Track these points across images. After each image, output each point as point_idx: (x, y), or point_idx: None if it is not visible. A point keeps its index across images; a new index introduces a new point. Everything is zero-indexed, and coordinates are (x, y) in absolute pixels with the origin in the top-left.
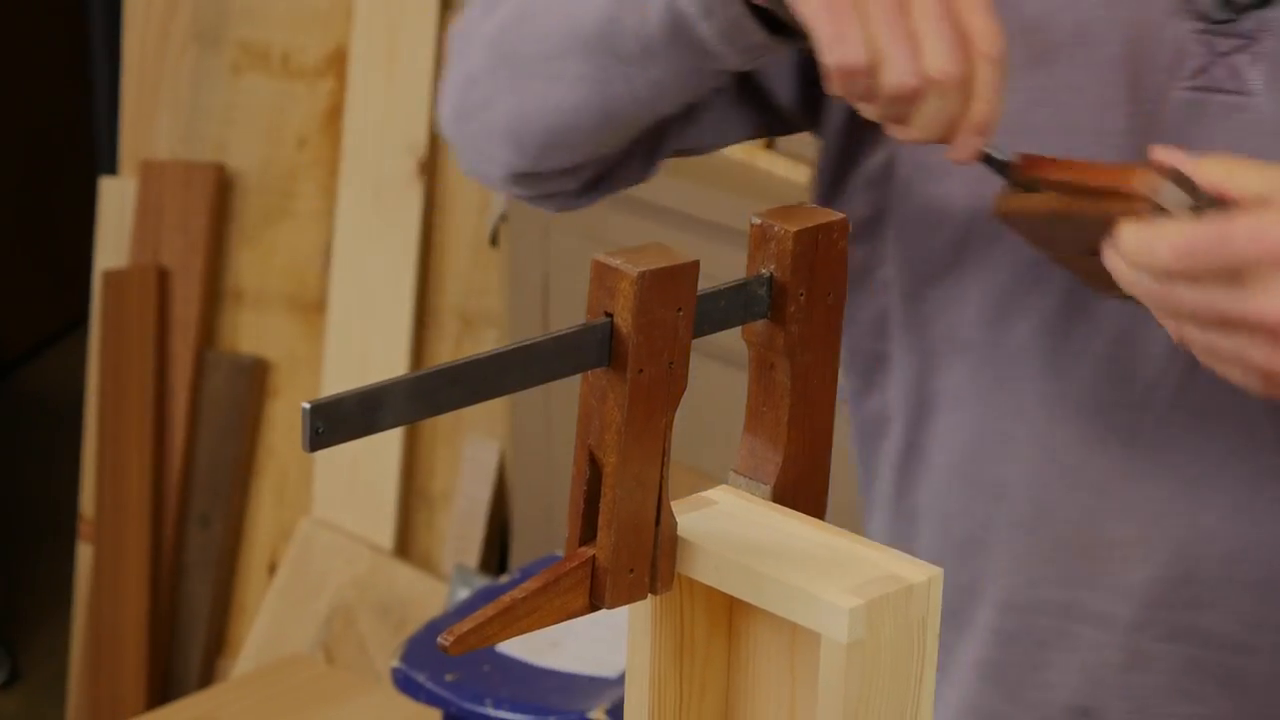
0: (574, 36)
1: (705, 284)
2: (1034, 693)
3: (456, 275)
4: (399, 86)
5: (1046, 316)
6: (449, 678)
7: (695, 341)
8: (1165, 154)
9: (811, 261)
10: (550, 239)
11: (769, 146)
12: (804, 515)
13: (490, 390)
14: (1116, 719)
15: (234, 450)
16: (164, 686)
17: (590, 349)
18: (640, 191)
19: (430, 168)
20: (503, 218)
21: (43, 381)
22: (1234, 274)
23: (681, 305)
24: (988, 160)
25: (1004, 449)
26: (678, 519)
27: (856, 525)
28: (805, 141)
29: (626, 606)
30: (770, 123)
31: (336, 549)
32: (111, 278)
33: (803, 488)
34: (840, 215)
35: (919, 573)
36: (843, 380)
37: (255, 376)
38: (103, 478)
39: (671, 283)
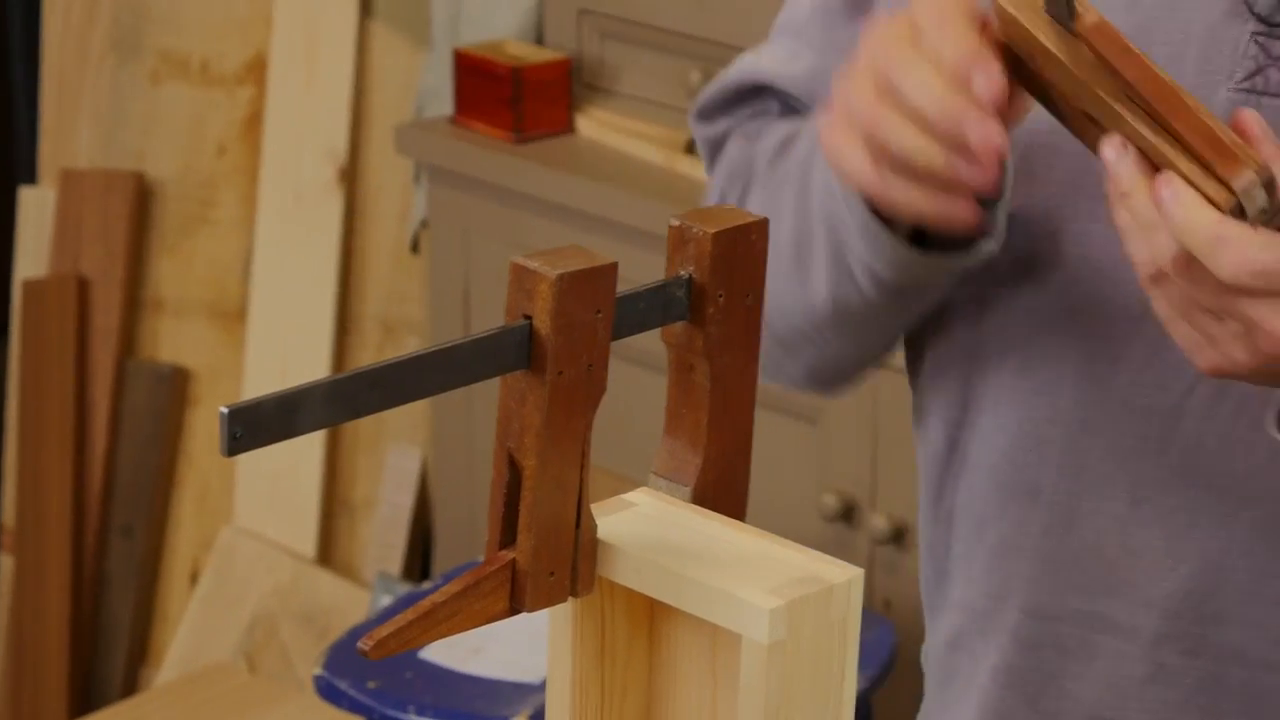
0: (813, 313)
1: (626, 288)
2: (1054, 702)
3: (377, 282)
4: (318, 94)
5: (1087, 322)
6: (371, 685)
7: (614, 345)
8: (1258, 125)
9: (730, 263)
10: (471, 245)
11: (689, 150)
12: (724, 517)
13: (409, 393)
14: None
15: (155, 459)
16: (86, 696)
17: (509, 351)
18: (561, 196)
19: (350, 174)
20: (423, 224)
21: None
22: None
23: (600, 307)
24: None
25: (1039, 453)
26: (598, 521)
27: (776, 526)
28: None
29: (547, 610)
30: None
31: (258, 557)
32: (31, 287)
33: (723, 489)
34: (760, 216)
35: (839, 573)
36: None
37: (176, 385)
38: (23, 488)
39: (590, 284)
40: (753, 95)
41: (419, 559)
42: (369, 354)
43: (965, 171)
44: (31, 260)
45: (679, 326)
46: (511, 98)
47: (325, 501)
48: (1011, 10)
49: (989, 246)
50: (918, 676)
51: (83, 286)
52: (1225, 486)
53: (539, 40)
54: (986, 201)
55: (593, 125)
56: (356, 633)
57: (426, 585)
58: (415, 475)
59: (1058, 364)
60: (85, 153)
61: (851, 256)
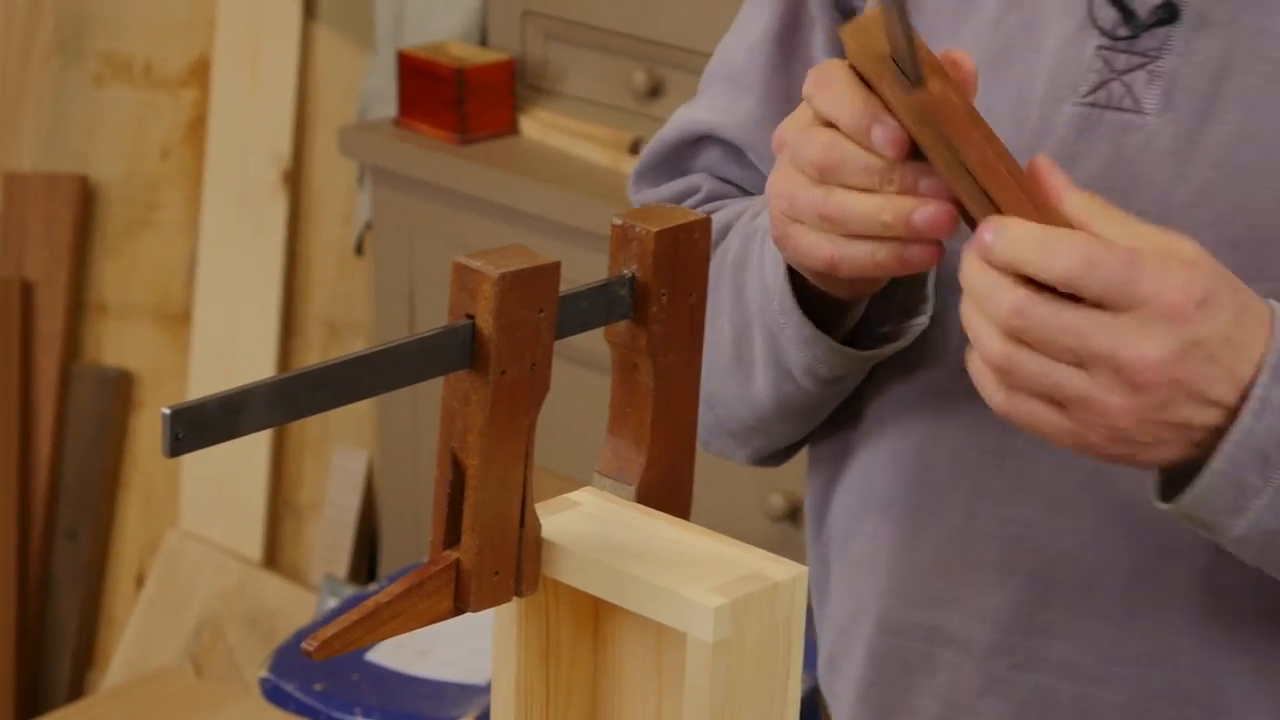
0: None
1: (570, 288)
2: (902, 716)
3: (322, 284)
4: (262, 96)
5: (940, 336)
6: (318, 687)
7: (556, 345)
8: (1046, 166)
9: (673, 261)
10: (416, 247)
11: (633, 151)
12: (668, 515)
13: (352, 393)
14: None
15: (100, 463)
16: (32, 700)
17: (452, 351)
18: (506, 197)
19: (294, 177)
20: (368, 226)
21: None
22: (1120, 306)
23: (543, 306)
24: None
25: (893, 466)
26: (542, 521)
27: (723, 526)
28: None
29: (492, 610)
30: None
31: (204, 560)
32: None
33: (667, 488)
34: (703, 216)
35: (784, 571)
36: None
37: (120, 388)
38: None
39: (533, 283)
40: (690, 151)
41: (365, 561)
42: (314, 356)
43: (918, 216)
44: None
45: (622, 325)
46: (455, 99)
47: (271, 504)
48: (856, 60)
49: (922, 320)
50: None
51: (26, 290)
52: (1055, 500)
53: (482, 41)
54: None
55: (537, 126)
56: (303, 635)
57: (373, 587)
58: (361, 477)
59: (913, 378)
60: (28, 156)
61: (790, 361)
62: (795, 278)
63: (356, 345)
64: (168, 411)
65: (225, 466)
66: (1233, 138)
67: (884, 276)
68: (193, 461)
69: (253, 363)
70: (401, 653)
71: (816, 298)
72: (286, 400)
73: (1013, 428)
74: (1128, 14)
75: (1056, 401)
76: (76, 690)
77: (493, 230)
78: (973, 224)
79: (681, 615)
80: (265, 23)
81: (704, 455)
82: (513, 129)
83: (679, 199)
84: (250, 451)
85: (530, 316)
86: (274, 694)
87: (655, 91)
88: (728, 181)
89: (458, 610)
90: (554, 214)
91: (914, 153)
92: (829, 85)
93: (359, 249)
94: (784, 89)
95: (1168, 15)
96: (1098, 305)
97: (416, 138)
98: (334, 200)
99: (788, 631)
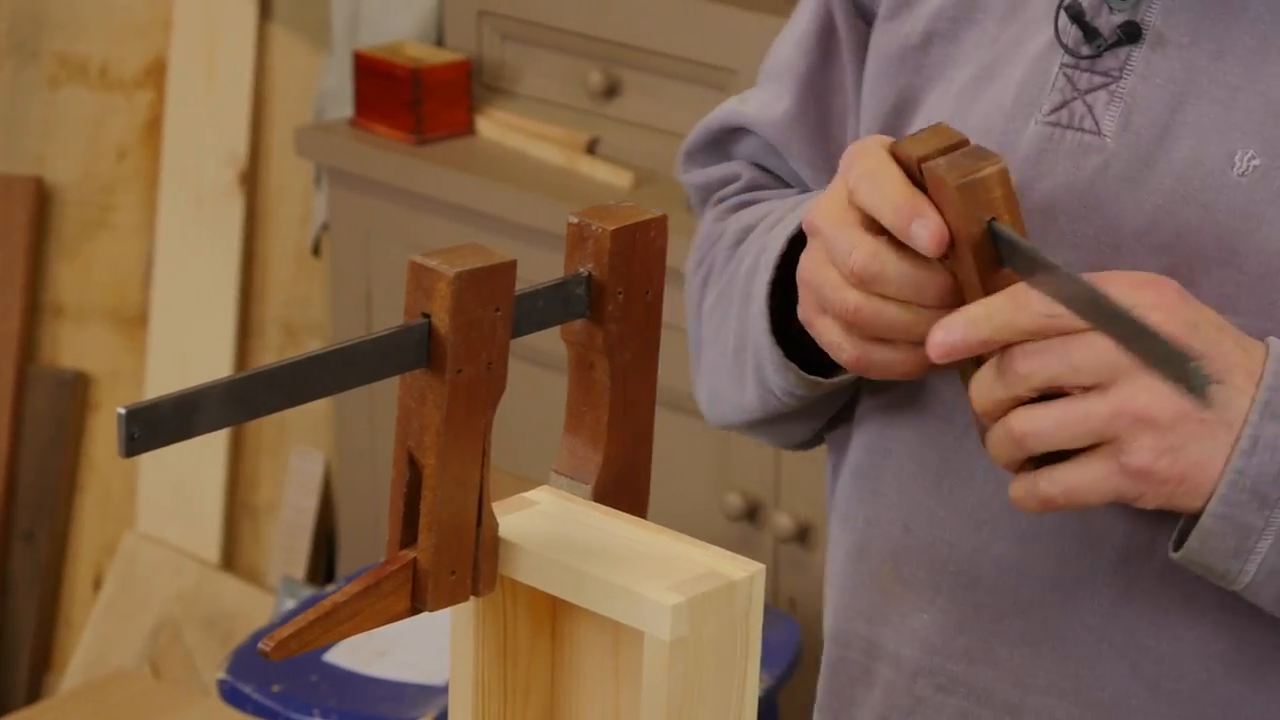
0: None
1: (526, 286)
2: None
3: (279, 286)
4: (218, 97)
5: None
6: (276, 689)
7: (512, 345)
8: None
9: (629, 259)
10: (372, 248)
11: (590, 151)
12: (625, 514)
13: (308, 393)
14: None
15: (57, 465)
16: None
17: (408, 350)
18: (462, 197)
19: (251, 178)
20: (324, 227)
21: None
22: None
23: (499, 305)
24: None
25: (855, 480)
26: (499, 520)
27: (681, 526)
28: (626, 147)
29: (449, 610)
30: None
31: (162, 562)
32: None
33: (624, 487)
34: (659, 213)
35: (741, 569)
36: None
37: (77, 391)
38: None
39: (489, 282)
40: (733, 137)
41: (323, 562)
42: (271, 357)
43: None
44: None
45: (579, 324)
46: (411, 99)
47: (228, 506)
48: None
49: None
50: None
51: None
52: (979, 522)
53: (439, 42)
54: None
55: (493, 126)
56: (260, 637)
57: (330, 588)
58: (318, 478)
59: (876, 393)
60: None
61: (772, 383)
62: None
63: (313, 346)
64: (123, 411)
65: (182, 468)
66: (1184, 165)
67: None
68: (150, 463)
69: (210, 364)
70: (360, 654)
71: None
72: (241, 400)
73: (960, 448)
74: (1090, 32)
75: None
76: (34, 693)
77: (450, 230)
78: None
79: (638, 614)
80: (221, 24)
81: (660, 454)
82: (469, 129)
83: (723, 183)
84: (207, 453)
85: (486, 315)
86: (232, 696)
87: (611, 91)
88: (767, 170)
89: (414, 610)
90: (511, 214)
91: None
92: (874, 179)
93: (316, 250)
94: (819, 92)
95: (1129, 35)
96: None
97: (373, 138)
98: (290, 201)
99: (745, 630)
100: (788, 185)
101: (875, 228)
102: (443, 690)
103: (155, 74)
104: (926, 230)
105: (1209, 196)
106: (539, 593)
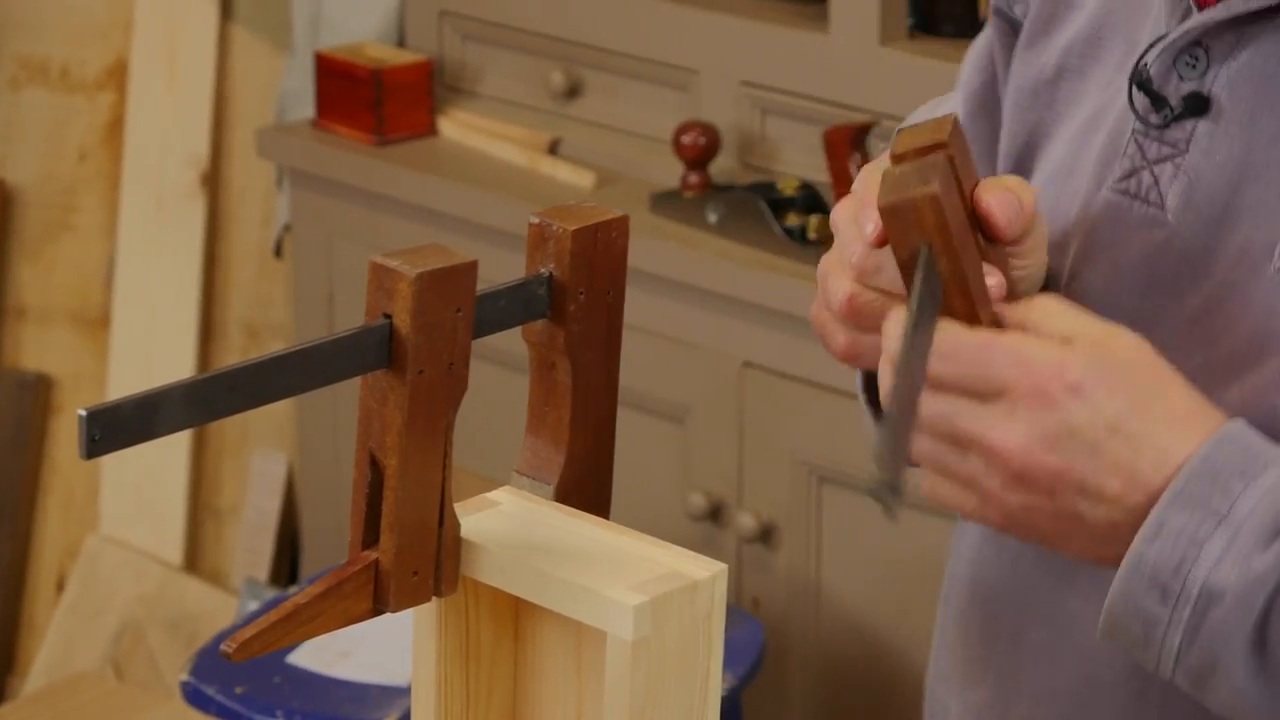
0: None
1: (487, 287)
2: None
3: (241, 287)
4: (180, 98)
5: None
6: (239, 690)
7: (474, 346)
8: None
9: (591, 260)
10: (334, 249)
11: (551, 151)
12: (588, 514)
13: (269, 394)
14: None
15: (19, 467)
16: None
17: (369, 351)
18: (424, 198)
19: (212, 179)
20: (286, 229)
21: None
22: (984, 392)
23: (460, 305)
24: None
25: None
26: (461, 520)
27: (644, 526)
28: (588, 147)
29: (412, 610)
30: None
31: (125, 565)
32: None
33: (586, 487)
34: (621, 213)
35: (703, 569)
36: None
37: (39, 393)
38: None
39: (450, 283)
40: None
41: (287, 564)
42: (234, 359)
43: None
44: None
45: (540, 324)
46: (373, 100)
47: (191, 508)
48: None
49: None
50: (787, 675)
51: None
52: (1024, 604)
53: (400, 42)
54: None
55: (454, 127)
56: (223, 639)
57: (294, 590)
58: (281, 480)
59: None
60: None
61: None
62: None
63: (276, 347)
64: (84, 413)
65: (145, 470)
66: (1236, 253)
67: None
68: (112, 465)
69: (172, 366)
70: (323, 655)
71: None
72: (203, 401)
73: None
74: (1158, 101)
75: (961, 483)
76: None
77: (412, 231)
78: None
79: (601, 614)
80: (182, 25)
81: (623, 454)
82: (431, 130)
83: None
84: (170, 455)
85: (448, 316)
86: (195, 697)
87: (573, 92)
88: None
89: (377, 611)
90: (473, 214)
91: None
92: (870, 175)
93: (278, 251)
94: (990, 110)
95: (1195, 108)
96: (971, 394)
97: (335, 139)
98: (253, 202)
99: (708, 630)
100: None
101: None
102: (406, 691)
103: (116, 75)
104: (870, 225)
105: (1250, 289)
106: (501, 593)
